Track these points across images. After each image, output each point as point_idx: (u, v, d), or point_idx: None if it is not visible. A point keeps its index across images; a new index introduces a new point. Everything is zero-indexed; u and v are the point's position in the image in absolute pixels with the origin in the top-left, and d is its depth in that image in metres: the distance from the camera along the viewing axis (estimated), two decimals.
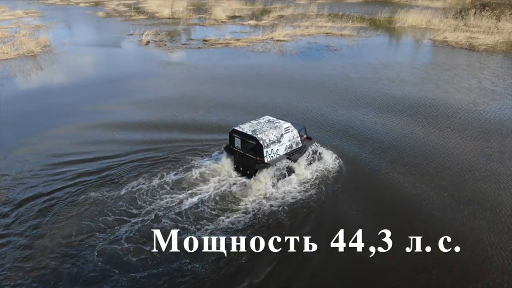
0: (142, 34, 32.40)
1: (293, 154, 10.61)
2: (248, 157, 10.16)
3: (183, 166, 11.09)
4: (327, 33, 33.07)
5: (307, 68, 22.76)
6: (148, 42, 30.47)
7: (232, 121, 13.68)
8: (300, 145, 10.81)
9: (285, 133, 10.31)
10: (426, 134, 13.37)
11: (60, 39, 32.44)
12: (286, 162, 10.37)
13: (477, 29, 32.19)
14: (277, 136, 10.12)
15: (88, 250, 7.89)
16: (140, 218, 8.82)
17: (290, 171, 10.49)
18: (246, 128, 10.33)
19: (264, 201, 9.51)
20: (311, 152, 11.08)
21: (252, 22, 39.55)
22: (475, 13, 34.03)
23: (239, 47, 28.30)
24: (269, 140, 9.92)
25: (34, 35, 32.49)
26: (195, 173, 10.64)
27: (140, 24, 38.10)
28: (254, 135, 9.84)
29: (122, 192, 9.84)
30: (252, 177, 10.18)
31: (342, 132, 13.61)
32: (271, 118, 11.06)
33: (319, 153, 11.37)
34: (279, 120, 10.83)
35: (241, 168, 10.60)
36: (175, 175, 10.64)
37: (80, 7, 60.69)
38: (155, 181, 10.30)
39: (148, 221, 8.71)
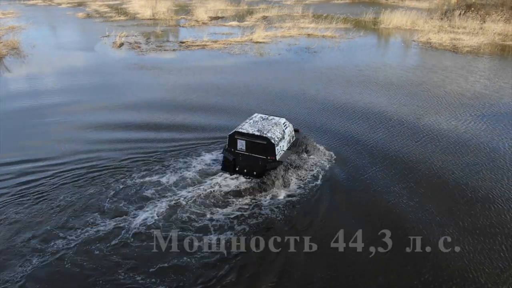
0: (117, 36, 31.14)
1: (292, 148, 10.45)
2: (255, 157, 9.80)
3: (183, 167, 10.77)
4: (309, 34, 32.10)
5: (282, 71, 21.74)
6: (121, 44, 29.23)
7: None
8: (294, 138, 10.71)
9: (285, 128, 10.23)
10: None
11: (31, 41, 31.04)
12: (289, 157, 10.16)
13: (462, 30, 31.47)
14: (281, 132, 10.10)
15: None
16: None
17: (292, 165, 10.25)
18: (248, 129, 9.92)
19: (263, 200, 9.34)
20: (301, 143, 10.95)
21: (234, 23, 38.44)
22: (460, 14, 33.31)
23: (216, 49, 27.20)
24: (277, 138, 9.85)
25: (4, 37, 31.07)
26: (192, 175, 10.31)
27: (119, 26, 36.75)
28: (264, 135, 9.64)
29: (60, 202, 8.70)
30: (260, 177, 9.83)
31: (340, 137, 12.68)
32: (262, 115, 10.73)
33: (307, 145, 11.16)
34: (273, 117, 10.58)
35: (245, 170, 10.17)
36: (173, 174, 10.34)
37: (61, 8, 59.00)
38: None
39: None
